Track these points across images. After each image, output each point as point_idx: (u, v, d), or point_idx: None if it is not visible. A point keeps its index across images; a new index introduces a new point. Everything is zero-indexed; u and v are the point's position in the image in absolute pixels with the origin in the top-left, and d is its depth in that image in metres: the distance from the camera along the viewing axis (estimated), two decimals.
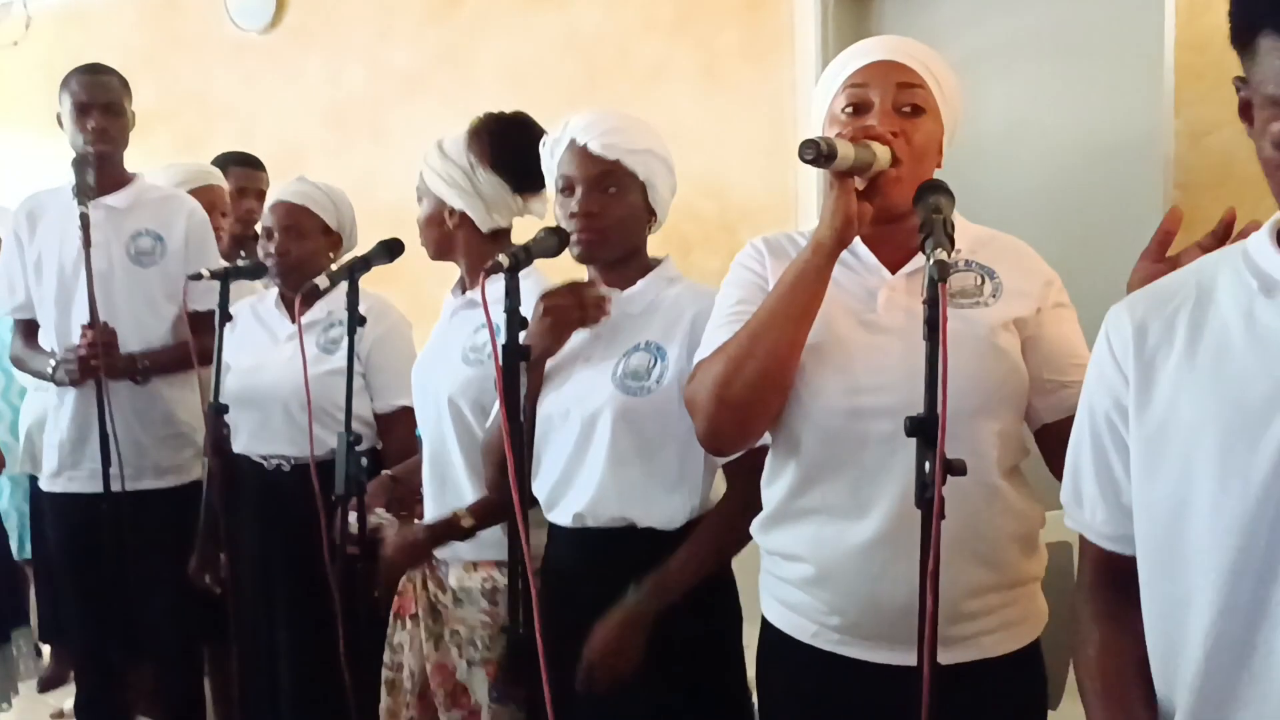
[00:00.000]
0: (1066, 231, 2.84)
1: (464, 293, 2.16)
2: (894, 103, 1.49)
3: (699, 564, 1.76)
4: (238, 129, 4.30)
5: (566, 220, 1.82)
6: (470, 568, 2.14)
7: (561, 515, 1.85)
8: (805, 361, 1.48)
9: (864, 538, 1.45)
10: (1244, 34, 0.99)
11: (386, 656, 2.22)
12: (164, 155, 3.93)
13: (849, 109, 1.50)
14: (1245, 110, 1.03)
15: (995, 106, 3.04)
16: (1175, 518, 1.11)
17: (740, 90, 3.36)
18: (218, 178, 3.41)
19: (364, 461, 2.02)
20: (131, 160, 3.50)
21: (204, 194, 3.18)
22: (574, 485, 1.82)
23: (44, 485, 2.93)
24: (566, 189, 1.82)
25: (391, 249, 2.14)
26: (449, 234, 2.17)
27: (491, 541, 2.07)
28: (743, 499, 1.70)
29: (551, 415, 1.84)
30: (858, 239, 1.53)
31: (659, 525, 1.79)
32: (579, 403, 1.81)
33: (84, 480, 2.80)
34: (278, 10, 4.33)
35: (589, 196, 1.80)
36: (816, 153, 1.34)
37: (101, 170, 2.77)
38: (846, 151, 1.38)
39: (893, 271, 1.52)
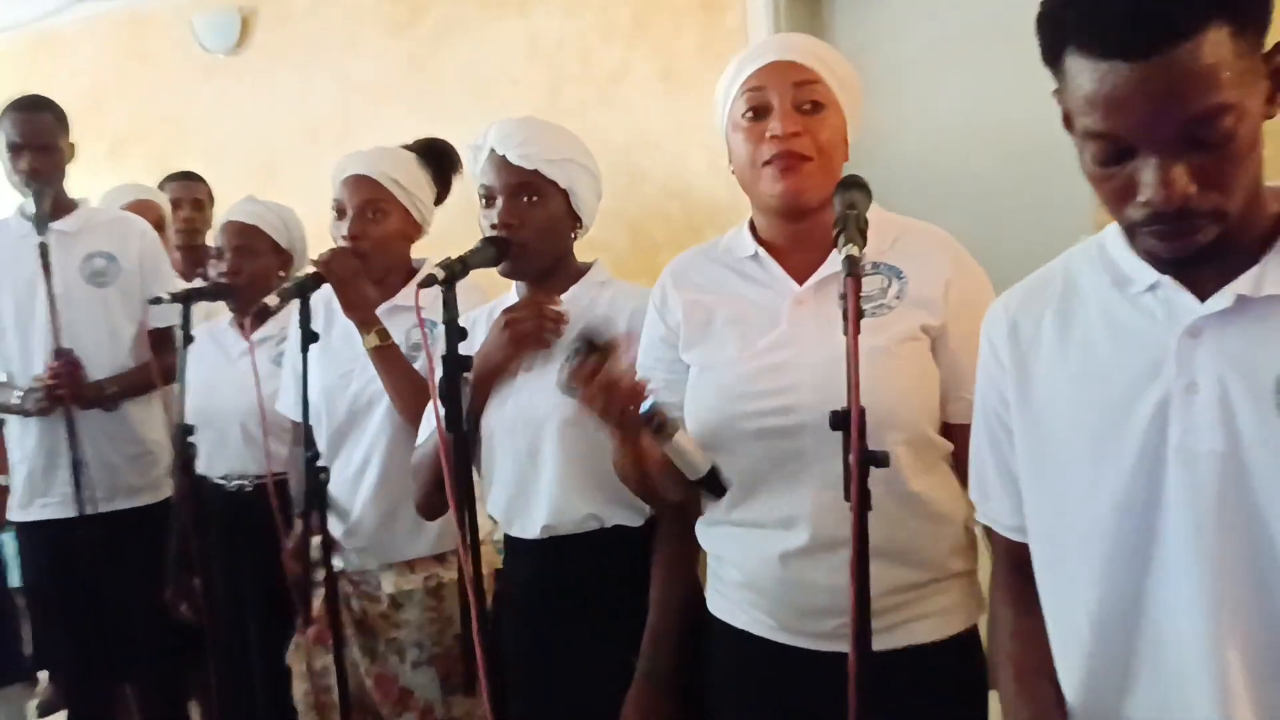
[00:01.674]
0: (1026, 222, 2.86)
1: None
2: (793, 101, 1.49)
3: (676, 600, 1.74)
4: (209, 149, 4.32)
5: (488, 230, 1.81)
6: (406, 569, 2.17)
7: (525, 528, 1.83)
8: (714, 390, 1.52)
9: (788, 548, 1.48)
10: (1050, 51, 1.01)
11: (307, 684, 2.20)
12: (137, 177, 3.96)
13: (749, 114, 1.51)
14: (1067, 120, 1.05)
15: (951, 100, 3.06)
16: (1057, 510, 1.15)
17: (700, 91, 3.37)
18: (152, 193, 3.45)
19: (323, 476, 2.03)
20: (104, 183, 3.54)
21: (137, 208, 3.21)
22: (533, 496, 1.81)
23: (14, 515, 2.92)
24: (487, 199, 1.83)
25: None
26: (406, 249, 2.22)
27: (428, 538, 2.12)
28: (677, 509, 1.71)
29: (496, 429, 1.84)
30: (764, 253, 1.55)
31: (625, 521, 1.79)
32: (524, 413, 1.81)
33: (56, 506, 2.81)
34: (244, 31, 4.35)
35: (508, 206, 1.79)
36: (656, 424, 1.39)
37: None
38: (685, 445, 1.44)
39: (801, 280, 1.53)
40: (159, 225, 3.22)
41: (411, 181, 2.20)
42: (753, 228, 1.62)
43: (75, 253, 2.81)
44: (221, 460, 2.58)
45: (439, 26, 3.91)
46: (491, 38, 3.79)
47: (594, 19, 3.58)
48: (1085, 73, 0.97)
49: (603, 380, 1.39)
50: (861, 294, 1.47)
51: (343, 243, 2.15)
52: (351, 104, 4.11)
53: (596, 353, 1.38)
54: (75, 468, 2.63)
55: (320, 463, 2.05)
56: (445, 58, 3.90)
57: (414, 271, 2.24)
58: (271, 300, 2.04)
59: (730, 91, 1.54)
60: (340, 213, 2.17)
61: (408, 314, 2.16)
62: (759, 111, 1.50)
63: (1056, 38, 1.00)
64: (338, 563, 2.19)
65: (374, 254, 2.16)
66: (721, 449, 1.51)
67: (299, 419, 2.08)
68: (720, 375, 1.52)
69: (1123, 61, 0.94)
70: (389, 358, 2.07)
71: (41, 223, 2.64)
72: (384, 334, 2.07)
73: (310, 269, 2.12)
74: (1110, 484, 1.08)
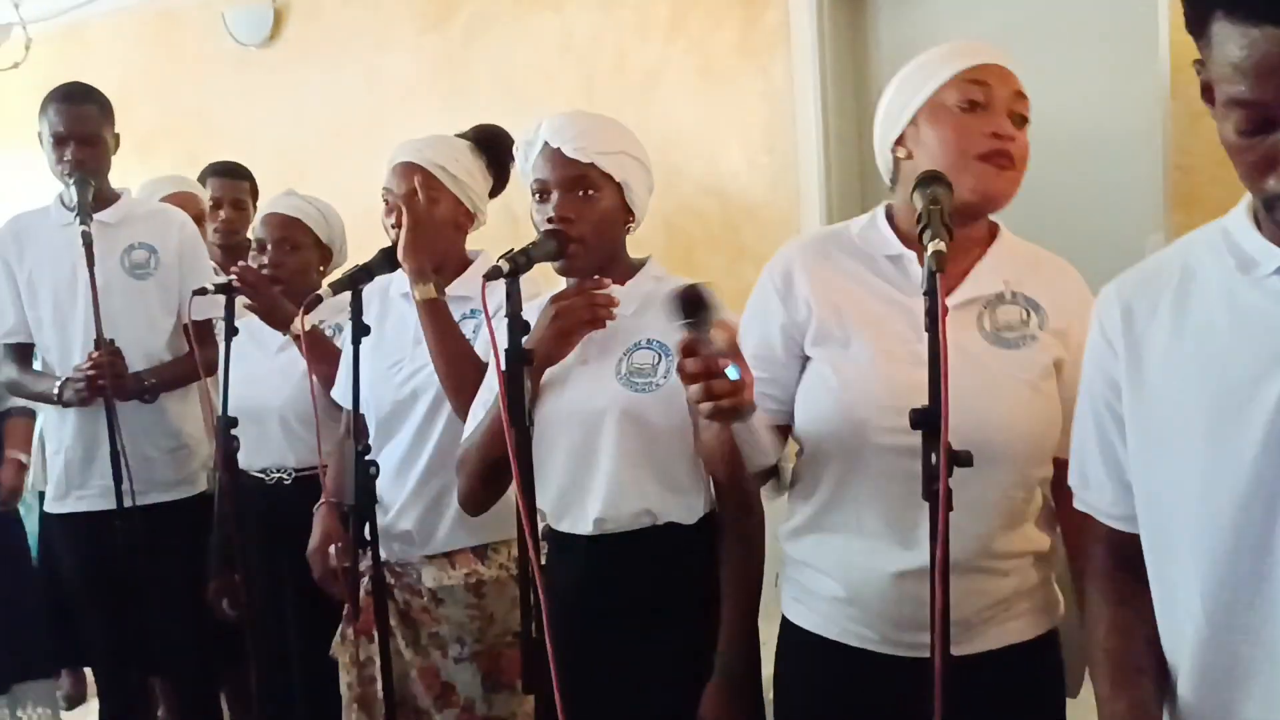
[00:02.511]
0: (1069, 217, 2.83)
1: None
2: (1009, 108, 1.50)
3: (747, 597, 1.74)
4: (238, 143, 4.30)
5: (543, 225, 1.79)
6: (447, 563, 2.16)
7: (576, 523, 1.81)
8: (850, 393, 1.49)
9: (902, 567, 1.46)
10: (1197, 19, 1.00)
11: (350, 676, 2.20)
12: (165, 172, 3.96)
13: (967, 104, 1.49)
14: (1207, 91, 1.05)
15: None
16: (1171, 496, 1.13)
17: (738, 89, 3.36)
18: (193, 185, 3.44)
19: (373, 471, 2.02)
20: (133, 177, 3.53)
21: (176, 200, 3.22)
22: (586, 490, 1.79)
23: (50, 507, 2.91)
24: (542, 193, 1.81)
25: (393, 258, 2.15)
26: (458, 238, 2.21)
27: (469, 530, 2.10)
28: (739, 506, 1.72)
29: (551, 421, 1.81)
30: (912, 256, 1.52)
31: (679, 519, 1.77)
32: (580, 405, 1.79)
33: (94, 498, 2.80)
34: (276, 24, 4.34)
35: (564, 200, 1.78)
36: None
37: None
38: (760, 430, 1.43)
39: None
40: (198, 219, 3.21)
41: (462, 170, 2.18)
42: (888, 221, 1.59)
43: (116, 244, 2.80)
44: (261, 453, 2.57)
45: (472, 22, 3.90)
46: (525, 34, 3.78)
47: (631, 15, 3.56)
48: (1234, 39, 0.96)
49: (707, 359, 1.34)
50: (1001, 325, 1.49)
51: (392, 233, 2.13)
52: (382, 99, 4.10)
53: (700, 320, 1.32)
54: (114, 459, 2.60)
55: (369, 456, 2.03)
56: (478, 54, 3.89)
57: (468, 263, 2.23)
58: (324, 291, 2.03)
59: (939, 75, 1.51)
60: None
61: (459, 304, 2.16)
62: (977, 105, 1.49)
63: (1205, 3, 0.99)
64: (381, 554, 2.18)
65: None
66: (846, 455, 1.50)
67: (348, 405, 2.07)
68: (857, 381, 1.49)
69: (1275, 27, 0.93)
70: (437, 313, 2.03)
71: (84, 213, 2.62)
72: (440, 288, 2.05)
73: (358, 263, 2.10)
74: (1231, 473, 1.06)
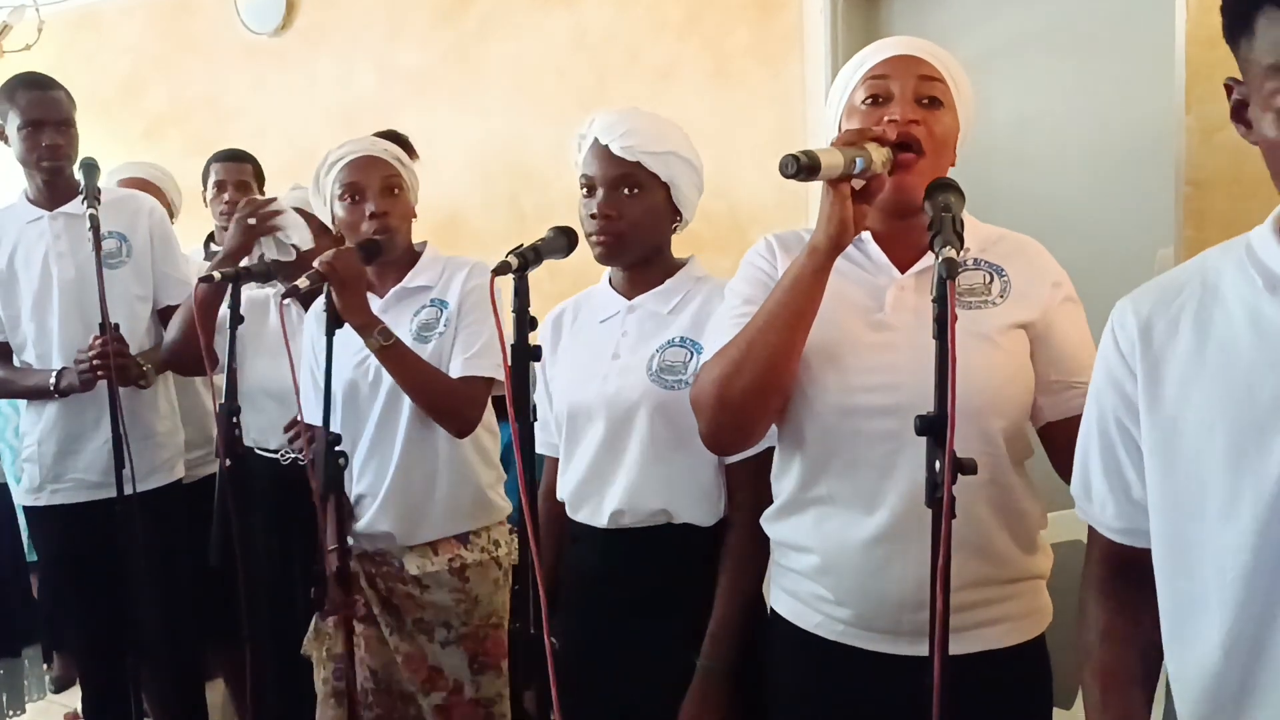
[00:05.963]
0: (1078, 229, 2.83)
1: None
2: (914, 93, 1.49)
3: (742, 596, 1.75)
4: (249, 131, 4.31)
5: (587, 220, 1.82)
6: (430, 551, 2.19)
7: (593, 515, 1.83)
8: (812, 359, 1.49)
9: (869, 532, 1.47)
10: (1241, 18, 0.98)
11: (326, 671, 2.22)
12: (175, 158, 3.96)
13: (869, 100, 1.51)
14: (1239, 112, 1.03)
15: (1005, 104, 3.03)
16: (1189, 517, 1.11)
17: (750, 90, 3.36)
18: (159, 176, 3.48)
19: (341, 462, 2.02)
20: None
21: (131, 185, 3.25)
22: (608, 482, 1.80)
23: (23, 500, 2.90)
24: (588, 189, 1.83)
25: (369, 251, 2.19)
26: (409, 230, 2.29)
27: (450, 519, 2.16)
28: (752, 509, 1.72)
29: (577, 413, 1.84)
30: (868, 236, 1.54)
31: (696, 521, 1.78)
32: (610, 399, 1.80)
33: (68, 492, 2.79)
34: (288, 12, 4.34)
35: (608, 198, 1.80)
36: (796, 167, 1.31)
37: (55, 183, 2.78)
38: (832, 160, 1.35)
39: (902, 269, 1.53)
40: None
41: (408, 163, 2.26)
42: None
43: (85, 236, 2.70)
44: (278, 432, 2.60)
45: (485, 16, 3.89)
46: (538, 29, 3.77)
47: (644, 14, 3.55)
48: None
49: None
50: (964, 289, 1.49)
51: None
52: (394, 91, 4.10)
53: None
54: (116, 445, 2.59)
55: (339, 447, 2.04)
56: (490, 47, 3.89)
57: (414, 254, 2.28)
58: (302, 283, 2.03)
59: (851, 81, 1.54)
60: (356, 195, 2.18)
61: (419, 295, 2.22)
62: (879, 99, 1.50)
63: (1248, 3, 0.96)
64: (357, 545, 2.20)
65: (399, 230, 2.21)
66: (812, 417, 1.50)
67: (317, 422, 2.08)
68: (827, 344, 1.50)
69: None
70: (395, 355, 2.07)
71: (91, 198, 2.61)
72: (386, 333, 2.07)
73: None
74: (1253, 496, 1.04)
